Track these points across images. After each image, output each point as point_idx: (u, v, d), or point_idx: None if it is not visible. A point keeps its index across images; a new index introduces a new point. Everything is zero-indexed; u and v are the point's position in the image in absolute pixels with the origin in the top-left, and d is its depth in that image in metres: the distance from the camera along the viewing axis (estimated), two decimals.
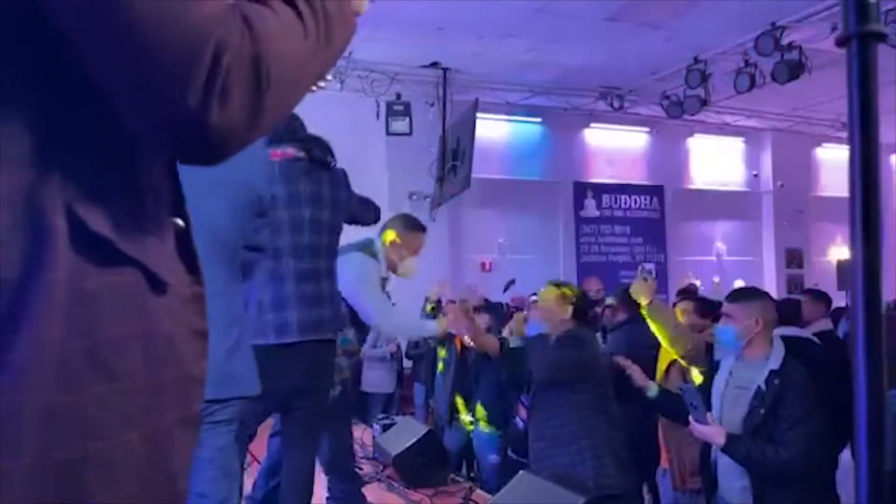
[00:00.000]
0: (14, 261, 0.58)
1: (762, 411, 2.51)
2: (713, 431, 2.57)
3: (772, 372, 2.54)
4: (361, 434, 4.24)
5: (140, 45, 0.58)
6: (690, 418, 2.62)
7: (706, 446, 2.78)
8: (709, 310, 3.95)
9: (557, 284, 3.35)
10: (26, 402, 0.57)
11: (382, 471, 3.61)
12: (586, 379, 3.05)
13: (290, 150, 2.42)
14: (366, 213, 2.92)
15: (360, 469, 3.70)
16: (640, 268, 3.37)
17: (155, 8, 0.57)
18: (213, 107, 0.61)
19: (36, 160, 0.60)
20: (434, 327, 3.44)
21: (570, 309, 3.20)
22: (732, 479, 2.63)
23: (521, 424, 3.34)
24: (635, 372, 3.08)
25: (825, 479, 2.70)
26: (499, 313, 5.53)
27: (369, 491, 3.40)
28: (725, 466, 2.65)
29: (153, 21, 0.57)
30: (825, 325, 4.70)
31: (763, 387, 2.54)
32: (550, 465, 2.96)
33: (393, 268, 3.13)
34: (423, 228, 3.23)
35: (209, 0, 0.61)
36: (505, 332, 4.35)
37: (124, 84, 0.61)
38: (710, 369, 2.88)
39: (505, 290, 6.86)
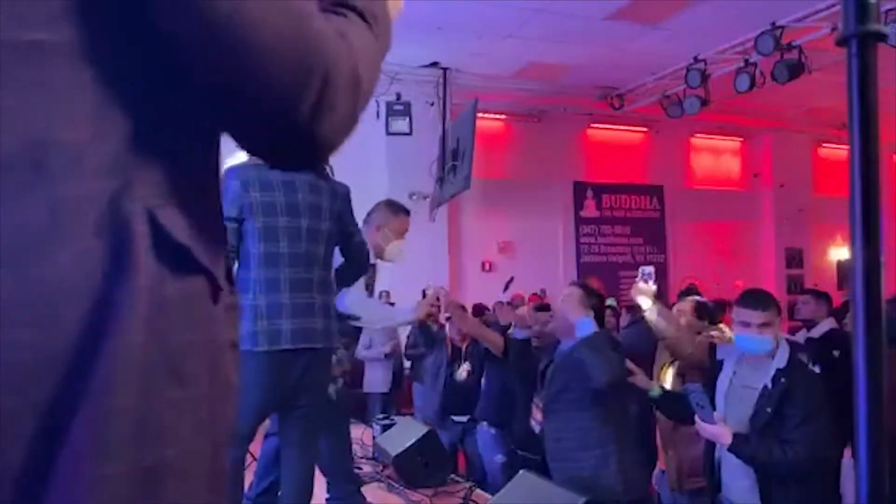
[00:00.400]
0: (98, 266, 0.59)
1: (769, 410, 2.49)
2: (720, 431, 2.55)
3: (778, 371, 2.53)
4: (361, 434, 4.24)
5: (258, 69, 0.61)
6: (696, 418, 2.60)
7: (710, 446, 2.77)
8: (706, 311, 3.94)
9: (581, 285, 3.29)
10: (116, 407, 0.58)
11: (382, 471, 3.60)
12: (618, 383, 3.00)
13: None
14: (358, 256, 2.78)
15: (360, 469, 3.70)
16: (639, 270, 3.31)
17: (274, 32, 0.60)
18: (323, 120, 0.65)
19: (123, 167, 0.61)
20: (410, 315, 3.43)
21: (591, 312, 3.11)
22: (737, 479, 2.62)
23: (536, 428, 3.19)
24: (639, 377, 3.07)
25: (830, 479, 2.70)
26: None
27: (369, 491, 3.40)
28: (729, 466, 2.64)
29: (272, 46, 0.60)
30: (830, 324, 4.70)
31: (769, 385, 2.52)
32: (573, 468, 2.93)
33: (379, 253, 3.13)
34: (406, 211, 3.26)
35: (316, 20, 0.64)
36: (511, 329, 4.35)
37: (241, 103, 0.64)
38: (713, 369, 2.86)
39: (505, 290, 6.86)
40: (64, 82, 0.57)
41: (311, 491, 2.59)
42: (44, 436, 0.56)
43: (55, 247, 0.56)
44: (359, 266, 2.80)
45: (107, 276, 0.59)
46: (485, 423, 4.64)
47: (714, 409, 2.62)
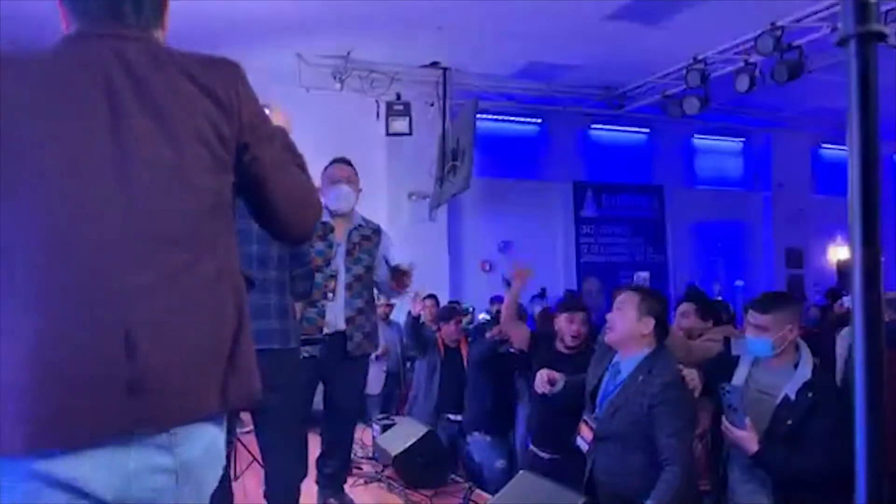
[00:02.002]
0: (231, 293, 1.29)
1: (789, 422, 2.43)
2: (748, 437, 2.45)
3: (805, 384, 2.45)
4: (361, 434, 4.24)
5: (298, 223, 1.44)
6: (724, 419, 2.53)
7: (715, 447, 2.74)
8: (710, 312, 3.89)
9: (635, 289, 2.79)
10: (249, 338, 1.32)
11: (382, 471, 3.60)
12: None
13: None
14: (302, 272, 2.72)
15: (360, 469, 3.70)
16: (635, 276, 3.28)
17: (303, 203, 1.42)
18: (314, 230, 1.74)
19: (231, 255, 1.33)
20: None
21: (651, 322, 2.62)
22: (744, 481, 2.59)
23: (584, 447, 2.74)
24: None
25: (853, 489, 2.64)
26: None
27: (369, 491, 3.40)
28: (738, 468, 2.61)
29: (303, 212, 1.43)
30: None
31: (792, 397, 2.45)
32: (630, 491, 2.50)
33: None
34: (334, 160, 3.25)
35: (313, 187, 1.48)
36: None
37: (296, 235, 1.51)
38: (723, 367, 2.80)
39: (509, 286, 6.87)
40: (217, 220, 1.27)
41: (298, 490, 2.59)
42: (232, 347, 1.25)
43: (221, 284, 1.25)
44: (304, 280, 2.75)
45: (237, 298, 1.27)
46: (477, 433, 4.58)
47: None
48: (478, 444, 4.56)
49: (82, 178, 1.14)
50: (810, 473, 2.39)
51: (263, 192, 1.35)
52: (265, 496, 2.58)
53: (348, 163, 3.24)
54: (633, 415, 2.49)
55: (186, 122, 1.21)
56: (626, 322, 2.61)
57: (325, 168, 3.19)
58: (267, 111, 1.38)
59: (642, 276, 3.09)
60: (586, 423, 2.74)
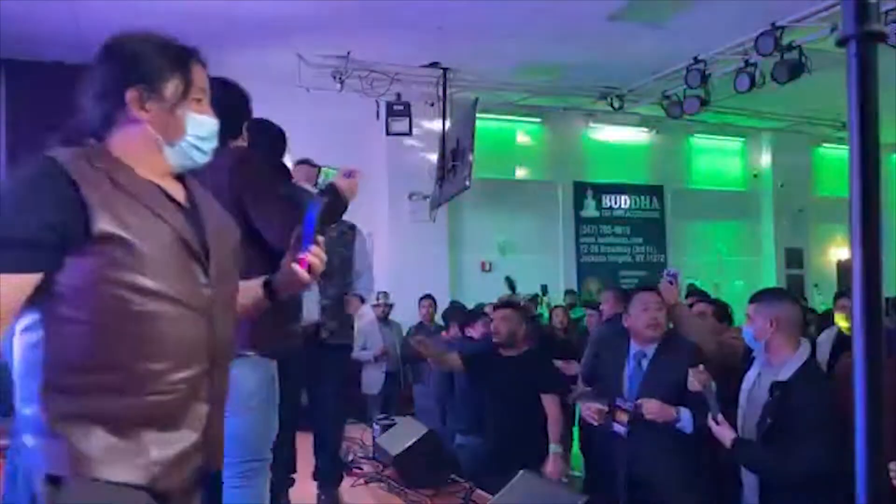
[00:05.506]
0: None
1: (769, 420, 2.47)
2: (723, 433, 2.55)
3: (774, 383, 2.50)
4: (361, 434, 4.24)
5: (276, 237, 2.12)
6: (709, 416, 2.63)
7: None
8: (727, 312, 3.92)
9: (654, 289, 3.28)
10: None
11: (382, 471, 3.60)
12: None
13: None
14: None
15: (360, 469, 3.70)
16: (665, 272, 3.38)
17: (279, 228, 2.08)
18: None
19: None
20: None
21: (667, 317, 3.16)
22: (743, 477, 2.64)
23: (623, 430, 3.01)
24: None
25: (844, 490, 2.64)
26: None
27: (369, 491, 3.40)
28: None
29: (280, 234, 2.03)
30: None
31: (769, 396, 2.50)
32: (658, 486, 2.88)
33: None
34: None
35: (285, 213, 2.19)
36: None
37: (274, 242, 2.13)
38: (744, 367, 2.85)
39: (512, 290, 6.87)
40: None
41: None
42: None
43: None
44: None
45: None
46: (470, 436, 4.52)
47: (737, 405, 2.65)
48: (468, 445, 4.49)
49: None
50: (789, 472, 2.42)
51: None
52: None
53: (306, 162, 3.31)
54: (667, 386, 2.90)
55: None
56: (664, 319, 3.13)
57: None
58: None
59: (672, 271, 3.13)
60: (619, 408, 3.01)
